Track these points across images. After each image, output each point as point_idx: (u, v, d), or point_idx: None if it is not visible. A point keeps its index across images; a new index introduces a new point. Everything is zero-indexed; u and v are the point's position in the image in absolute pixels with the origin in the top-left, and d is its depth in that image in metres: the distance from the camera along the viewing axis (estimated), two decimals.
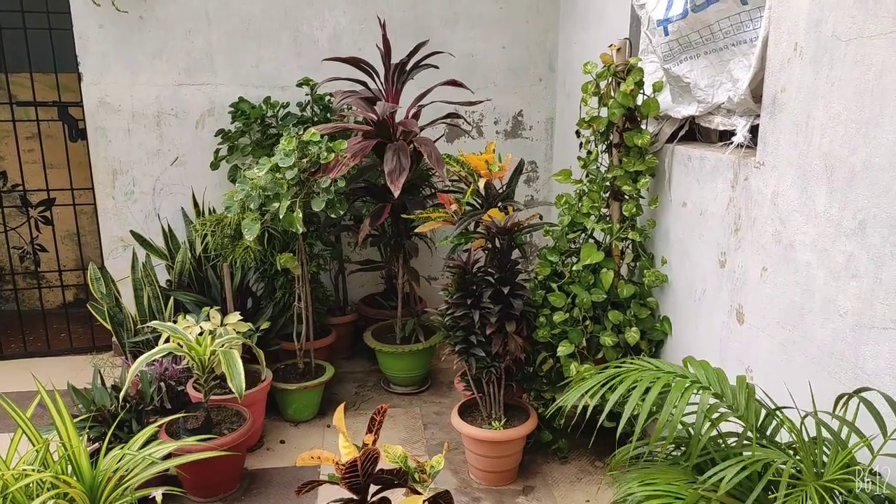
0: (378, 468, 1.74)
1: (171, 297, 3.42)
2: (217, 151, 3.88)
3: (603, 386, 1.78)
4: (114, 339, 3.69)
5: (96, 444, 2.73)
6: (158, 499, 1.98)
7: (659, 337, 2.81)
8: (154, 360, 3.05)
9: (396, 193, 2.91)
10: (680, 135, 2.80)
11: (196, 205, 3.95)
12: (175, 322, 3.10)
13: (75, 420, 2.59)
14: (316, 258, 3.71)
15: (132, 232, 3.65)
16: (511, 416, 2.90)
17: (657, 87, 2.73)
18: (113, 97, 3.91)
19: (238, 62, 3.98)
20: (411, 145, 3.18)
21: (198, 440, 2.51)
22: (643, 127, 2.80)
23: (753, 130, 2.29)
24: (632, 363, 1.83)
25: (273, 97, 3.93)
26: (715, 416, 1.50)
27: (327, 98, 3.84)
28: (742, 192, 2.27)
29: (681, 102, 2.69)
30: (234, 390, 2.60)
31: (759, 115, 2.26)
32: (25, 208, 4.81)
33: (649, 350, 2.82)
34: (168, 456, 2.47)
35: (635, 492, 1.34)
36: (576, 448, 3.09)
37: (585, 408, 1.84)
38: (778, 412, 1.58)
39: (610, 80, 2.78)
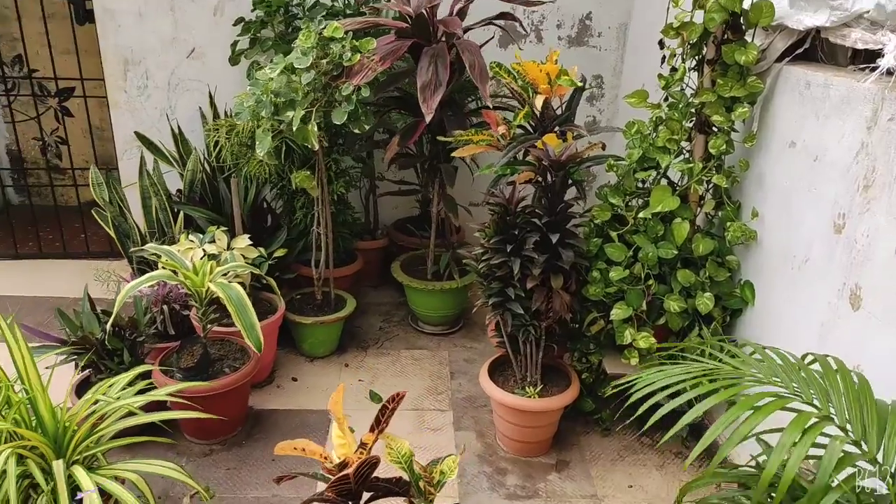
0: (376, 472, 1.38)
1: (181, 211, 3.06)
2: (235, 44, 3.40)
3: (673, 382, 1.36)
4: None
5: (86, 372, 2.48)
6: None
7: (737, 305, 2.32)
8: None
9: (429, 116, 2.39)
10: (794, 53, 2.19)
11: (213, 105, 3.52)
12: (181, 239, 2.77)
13: (57, 350, 2.33)
14: (343, 175, 3.27)
15: (137, 133, 3.27)
16: (549, 380, 2.50)
17: None
18: None
19: None
20: (453, 50, 2.63)
21: (181, 389, 2.21)
22: (749, 39, 2.19)
23: None
24: (718, 356, 1.39)
25: None
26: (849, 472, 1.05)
27: None
28: (882, 137, 1.70)
29: (804, 9, 2.06)
30: (250, 344, 2.25)
31: None
32: (44, 97, 4.47)
33: (723, 320, 2.34)
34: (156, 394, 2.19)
35: None
36: (621, 418, 2.69)
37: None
38: None
39: None
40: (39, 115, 4.42)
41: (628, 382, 1.40)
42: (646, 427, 1.41)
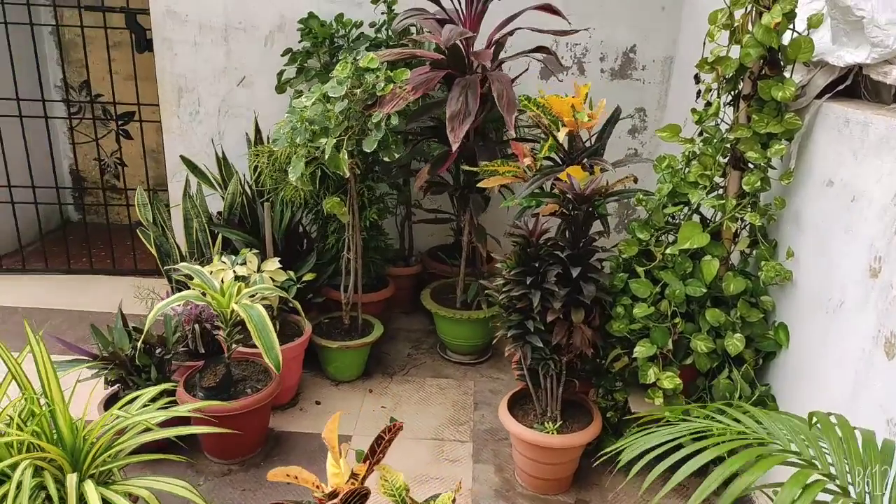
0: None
1: (219, 233, 3.15)
2: (280, 73, 3.51)
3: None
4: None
5: (114, 387, 2.56)
6: None
7: (770, 348, 2.22)
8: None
9: (455, 145, 2.41)
10: (836, 90, 2.11)
11: (258, 131, 3.63)
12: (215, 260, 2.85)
13: (86, 364, 2.42)
14: (377, 202, 3.31)
15: (182, 157, 3.40)
16: (570, 416, 2.44)
17: (813, 23, 2.03)
18: (180, 5, 3.59)
19: None
20: (486, 82, 2.64)
21: (202, 406, 2.24)
22: (787, 75, 2.12)
23: None
24: (729, 414, 1.32)
25: (347, 14, 3.46)
26: None
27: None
28: None
29: (845, 44, 1.99)
30: (269, 363, 2.28)
31: None
32: (106, 120, 4.72)
33: (754, 363, 2.24)
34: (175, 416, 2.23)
35: None
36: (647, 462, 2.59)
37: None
38: None
39: (749, 8, 2.10)
40: (98, 138, 4.66)
41: (616, 448, 1.37)
42: (651, 479, 1.35)
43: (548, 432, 2.32)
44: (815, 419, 1.11)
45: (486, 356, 3.35)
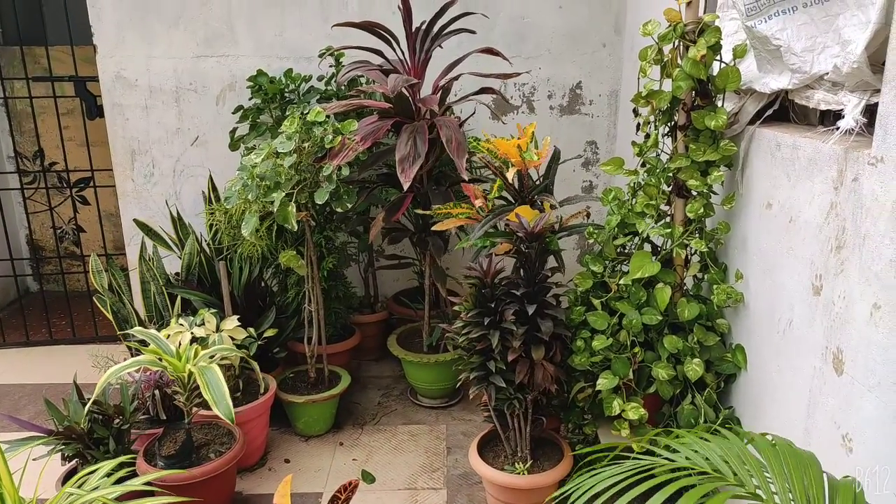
0: None
1: (178, 295, 3.11)
2: (233, 131, 3.53)
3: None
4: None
5: (72, 462, 2.48)
6: None
7: (730, 370, 2.24)
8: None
9: (406, 185, 2.44)
10: (767, 114, 2.18)
11: (214, 189, 3.63)
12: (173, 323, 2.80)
13: (39, 441, 2.34)
14: (337, 252, 3.30)
15: (136, 220, 3.37)
16: (542, 454, 2.42)
17: (738, 53, 2.12)
18: (129, 71, 3.62)
19: (260, 30, 3.60)
20: (435, 127, 2.69)
21: (163, 475, 2.18)
22: (718, 104, 2.20)
23: (870, 111, 1.67)
24: (674, 442, 1.32)
25: (297, 69, 3.52)
26: None
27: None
28: (849, 197, 1.66)
29: (769, 72, 2.07)
30: (222, 416, 2.24)
31: (878, 91, 1.65)
32: (63, 188, 4.67)
33: (716, 385, 2.25)
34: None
35: None
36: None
37: None
38: None
39: (676, 43, 2.18)
40: (53, 207, 4.60)
41: (564, 492, 1.36)
42: None
43: (518, 473, 2.30)
44: (750, 441, 1.12)
45: (457, 398, 3.33)
